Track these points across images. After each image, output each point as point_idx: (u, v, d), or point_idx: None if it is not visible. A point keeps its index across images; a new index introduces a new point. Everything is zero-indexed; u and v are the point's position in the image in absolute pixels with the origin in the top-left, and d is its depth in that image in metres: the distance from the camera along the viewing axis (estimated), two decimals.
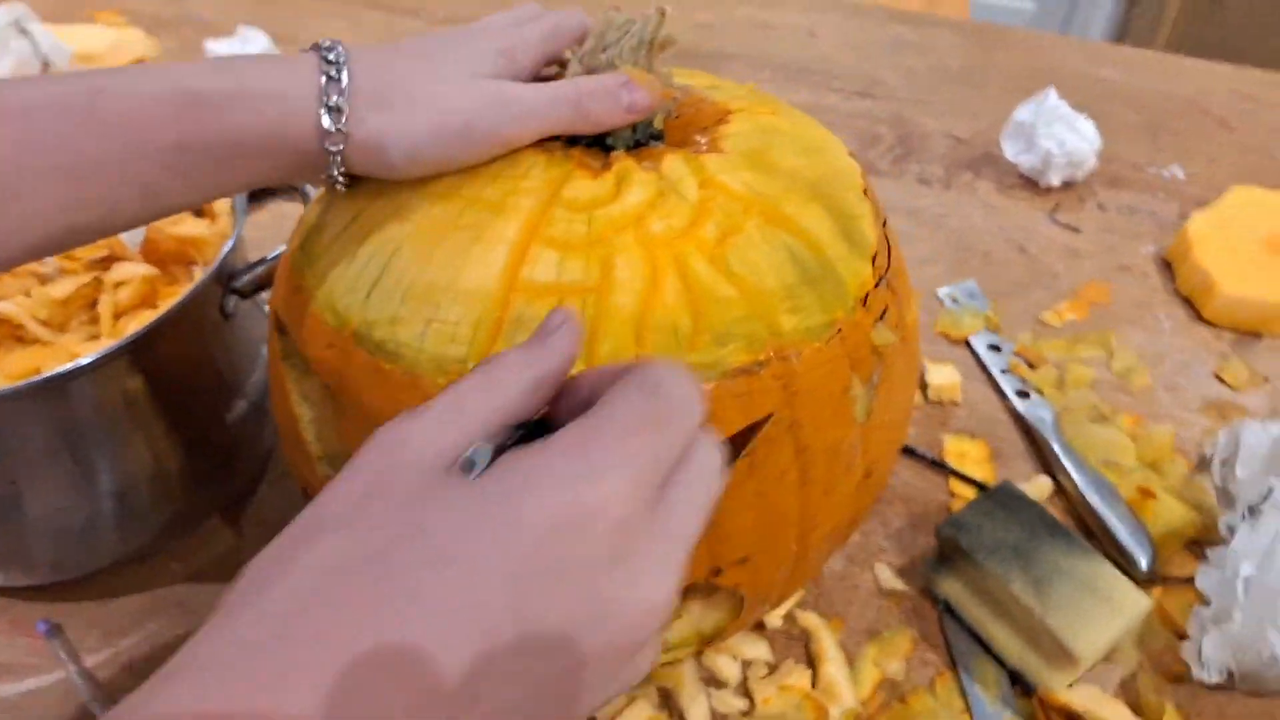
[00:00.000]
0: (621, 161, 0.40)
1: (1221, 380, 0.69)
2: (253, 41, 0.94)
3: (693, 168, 0.40)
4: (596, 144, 0.42)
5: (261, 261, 0.54)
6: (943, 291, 0.75)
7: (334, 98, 0.38)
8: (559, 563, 0.24)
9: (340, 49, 0.39)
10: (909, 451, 0.64)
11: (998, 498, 0.56)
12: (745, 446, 0.38)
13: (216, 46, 0.94)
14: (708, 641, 0.46)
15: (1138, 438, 0.63)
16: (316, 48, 0.39)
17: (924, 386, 0.67)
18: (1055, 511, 0.60)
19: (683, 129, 0.43)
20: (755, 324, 0.37)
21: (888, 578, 0.56)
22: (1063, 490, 0.61)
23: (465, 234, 0.38)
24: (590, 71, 0.42)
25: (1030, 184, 0.86)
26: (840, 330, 0.39)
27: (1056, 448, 0.62)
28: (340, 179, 0.40)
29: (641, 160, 0.41)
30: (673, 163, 0.40)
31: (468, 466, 0.25)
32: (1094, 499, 0.59)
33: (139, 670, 0.54)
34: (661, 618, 0.25)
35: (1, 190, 0.34)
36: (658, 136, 0.43)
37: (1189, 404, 0.67)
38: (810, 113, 0.49)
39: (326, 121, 0.38)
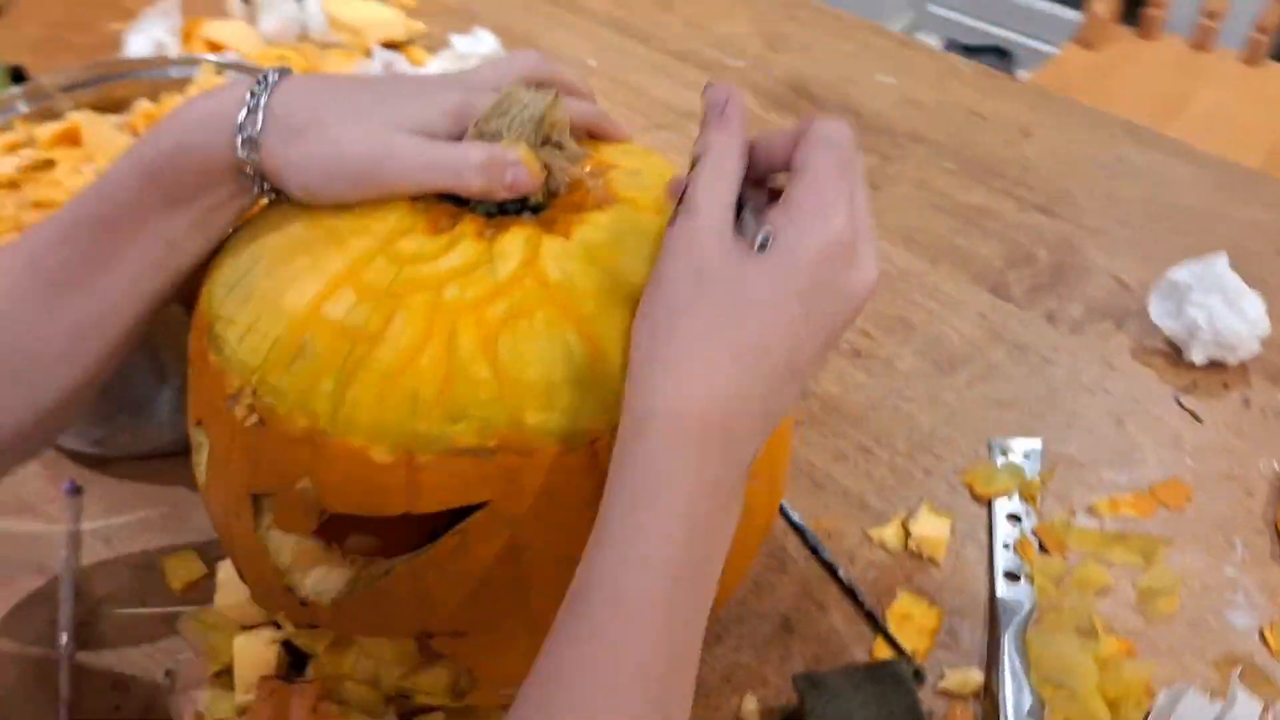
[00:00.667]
0: (464, 225, 0.42)
1: (1265, 640, 0.58)
2: (484, 42, 1.03)
3: (527, 247, 0.41)
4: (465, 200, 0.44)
5: None
6: (998, 440, 0.69)
7: (248, 129, 0.43)
8: (824, 280, 0.38)
9: (274, 78, 0.44)
10: (850, 592, 0.60)
11: (878, 673, 0.52)
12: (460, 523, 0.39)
13: (459, 41, 1.04)
14: (461, 704, 0.47)
15: (1111, 667, 0.55)
16: (257, 78, 0.44)
17: (907, 532, 0.63)
18: (966, 715, 0.54)
19: (562, 205, 0.44)
20: (496, 411, 0.38)
21: (750, 710, 0.54)
22: (989, 694, 0.55)
23: (306, 258, 0.42)
24: (483, 137, 0.44)
25: (1173, 354, 0.75)
26: (594, 444, 0.39)
27: (1006, 644, 0.56)
28: (268, 193, 0.45)
29: (488, 229, 0.42)
30: (512, 238, 0.42)
31: (762, 246, 0.38)
32: (1006, 715, 0.52)
33: (114, 545, 0.64)
34: (874, 284, 0.40)
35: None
36: (534, 208, 0.44)
37: (1206, 651, 0.57)
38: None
39: (239, 148, 0.43)
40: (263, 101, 0.43)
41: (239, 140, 0.42)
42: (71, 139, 0.66)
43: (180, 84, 0.71)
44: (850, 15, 1.17)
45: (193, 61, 0.72)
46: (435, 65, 0.99)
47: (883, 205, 0.89)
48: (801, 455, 0.68)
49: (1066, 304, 0.80)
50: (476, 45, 1.02)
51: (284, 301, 0.41)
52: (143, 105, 0.70)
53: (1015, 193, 0.91)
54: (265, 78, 0.44)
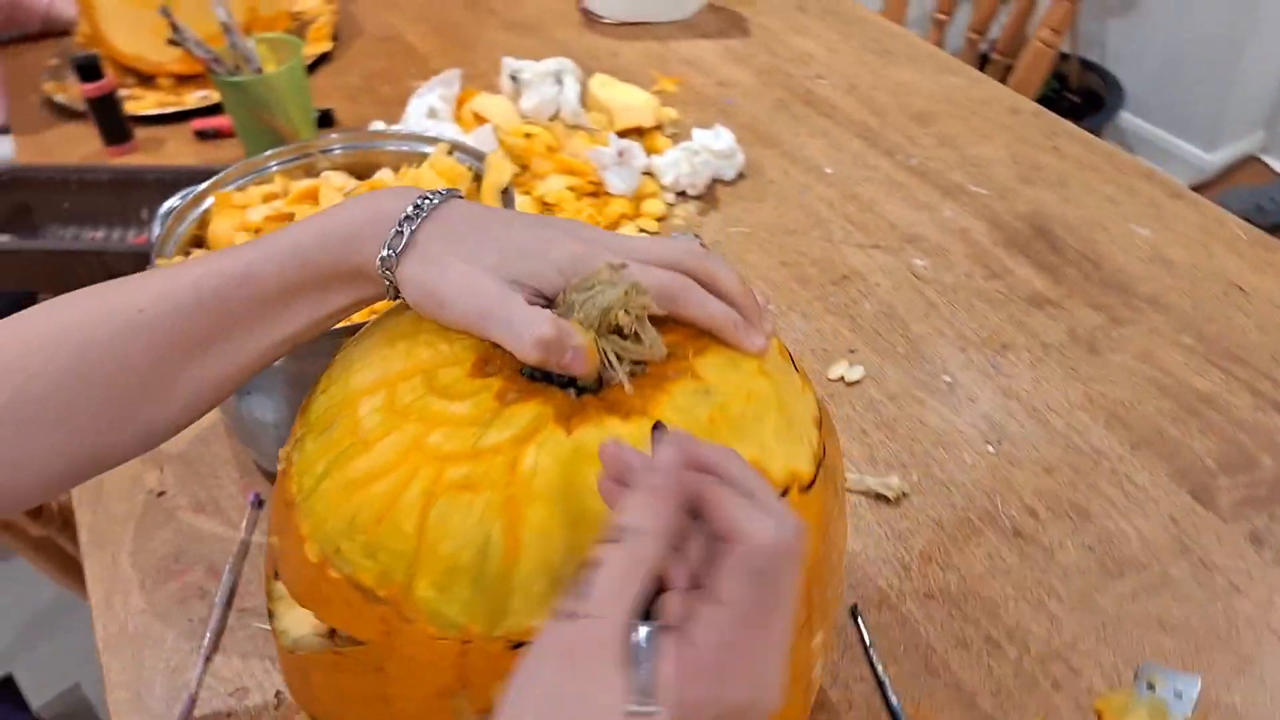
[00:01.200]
0: (496, 379, 0.44)
1: None
2: (721, 139, 1.05)
3: (528, 426, 0.42)
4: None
5: None
6: (1149, 667, 0.62)
7: (394, 245, 0.47)
8: None
9: (435, 202, 0.48)
10: None
11: None
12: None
13: (699, 135, 1.07)
14: None
15: None
16: (421, 197, 0.49)
17: None
18: None
19: (600, 398, 0.44)
20: (399, 566, 0.40)
21: None
22: None
23: (387, 350, 0.47)
24: (562, 307, 0.45)
25: None
26: (465, 644, 0.40)
27: None
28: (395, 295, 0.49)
29: (513, 391, 0.43)
30: (522, 411, 0.42)
31: (636, 657, 0.33)
32: None
33: None
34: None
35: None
36: (580, 388, 0.45)
37: None
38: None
39: (380, 261, 0.47)
40: (416, 225, 0.47)
41: (384, 252, 0.47)
42: (312, 197, 0.75)
43: (418, 159, 0.79)
44: (1124, 155, 1.09)
45: (431, 141, 0.79)
46: (671, 155, 1.03)
47: (1095, 372, 0.83)
48: (921, 631, 0.65)
49: (1278, 527, 0.71)
50: (714, 141, 1.05)
51: (351, 376, 0.46)
52: (384, 174, 0.79)
53: (1257, 386, 0.81)
54: (428, 200, 0.48)
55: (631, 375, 0.44)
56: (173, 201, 0.73)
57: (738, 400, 0.45)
